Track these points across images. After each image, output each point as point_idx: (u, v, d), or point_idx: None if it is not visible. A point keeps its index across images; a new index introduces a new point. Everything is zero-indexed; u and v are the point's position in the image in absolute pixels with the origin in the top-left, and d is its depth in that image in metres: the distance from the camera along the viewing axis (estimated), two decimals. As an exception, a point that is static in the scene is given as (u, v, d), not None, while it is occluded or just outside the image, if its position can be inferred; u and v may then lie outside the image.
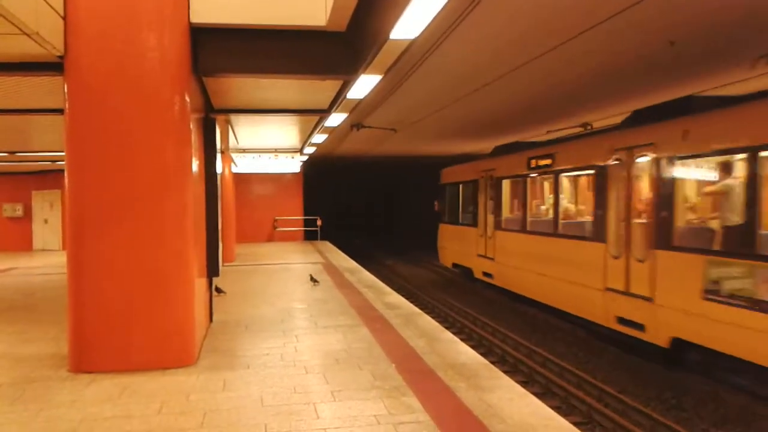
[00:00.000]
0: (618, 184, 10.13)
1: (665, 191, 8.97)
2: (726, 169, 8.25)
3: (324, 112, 10.58)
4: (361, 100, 10.90)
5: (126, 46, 6.06)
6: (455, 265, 19.90)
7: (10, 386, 5.67)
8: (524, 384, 8.52)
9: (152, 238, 6.14)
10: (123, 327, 6.11)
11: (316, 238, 26.47)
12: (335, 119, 12.88)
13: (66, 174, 6.17)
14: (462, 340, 8.03)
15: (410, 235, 39.09)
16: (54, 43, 5.69)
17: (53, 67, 6.24)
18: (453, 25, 7.65)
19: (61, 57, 6.00)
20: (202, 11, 6.35)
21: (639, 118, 10.21)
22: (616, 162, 10.16)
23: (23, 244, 23.57)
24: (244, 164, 21.06)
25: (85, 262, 6.10)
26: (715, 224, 8.39)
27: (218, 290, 10.71)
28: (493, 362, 7.22)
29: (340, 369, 6.18)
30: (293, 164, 21.72)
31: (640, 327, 9.52)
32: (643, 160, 9.48)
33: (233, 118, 12.12)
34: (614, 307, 10.20)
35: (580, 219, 12.41)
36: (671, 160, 8.84)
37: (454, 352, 6.79)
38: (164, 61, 6.13)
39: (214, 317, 8.61)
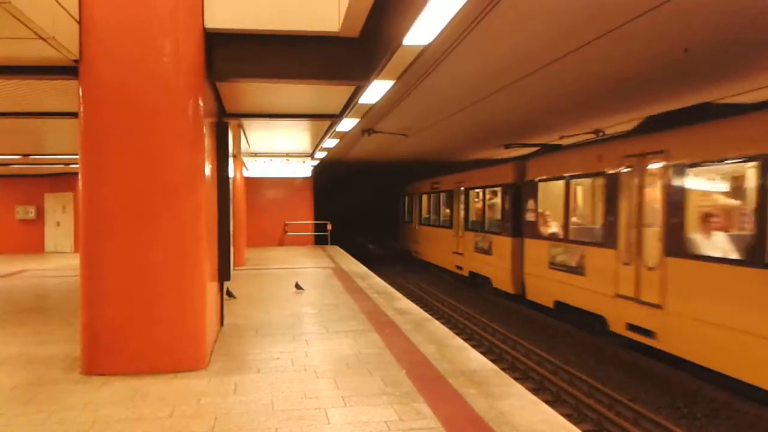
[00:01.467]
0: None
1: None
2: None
3: (336, 117, 10.62)
4: (373, 105, 10.91)
5: (140, 51, 6.11)
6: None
7: (24, 388, 5.71)
8: (535, 391, 8.46)
9: (165, 241, 6.17)
10: (135, 330, 6.14)
11: (326, 243, 26.49)
12: (347, 124, 12.89)
13: (80, 177, 6.21)
14: (472, 346, 8.01)
15: None
16: (69, 48, 5.74)
17: (68, 71, 6.29)
18: (466, 32, 7.65)
19: (76, 61, 6.04)
20: (216, 17, 6.40)
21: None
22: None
23: (35, 246, 23.74)
24: (255, 168, 21.13)
25: (97, 264, 6.14)
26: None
27: (229, 294, 10.73)
28: (503, 369, 7.20)
29: (351, 374, 6.18)
30: (304, 169, 21.78)
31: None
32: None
33: (245, 122, 12.18)
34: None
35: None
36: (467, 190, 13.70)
37: (465, 359, 6.77)
38: (178, 66, 6.17)
39: (225, 321, 8.63)
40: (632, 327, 9.98)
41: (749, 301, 7.53)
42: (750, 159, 7.68)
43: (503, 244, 15.77)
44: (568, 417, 7.96)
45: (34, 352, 7.19)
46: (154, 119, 6.17)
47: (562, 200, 12.64)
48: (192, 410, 5.08)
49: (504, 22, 7.42)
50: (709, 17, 7.32)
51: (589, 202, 12.47)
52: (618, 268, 10.34)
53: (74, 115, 6.50)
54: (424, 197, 24.96)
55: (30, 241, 23.70)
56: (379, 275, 15.72)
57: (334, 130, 13.43)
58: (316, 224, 26.79)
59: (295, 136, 15.41)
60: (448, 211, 21.25)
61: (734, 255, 8.05)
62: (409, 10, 5.25)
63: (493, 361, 8.42)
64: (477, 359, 6.79)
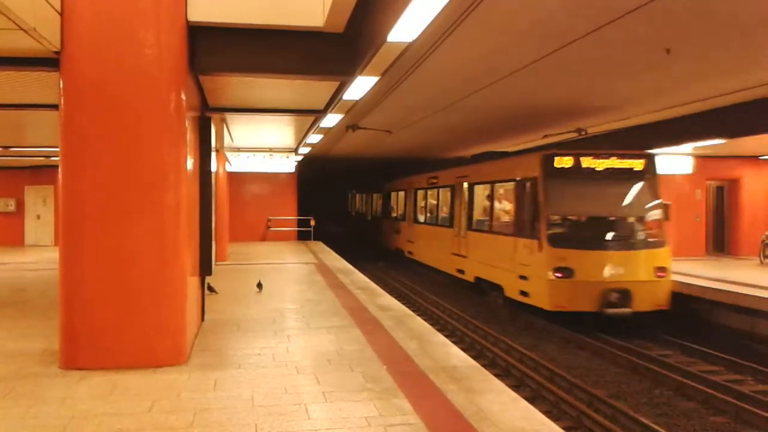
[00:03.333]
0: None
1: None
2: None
3: (320, 113, 10.60)
4: (357, 101, 10.91)
5: (122, 43, 6.06)
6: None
7: (1, 382, 5.65)
8: (515, 388, 8.53)
9: (145, 235, 6.13)
10: (115, 324, 6.09)
11: (309, 239, 26.45)
12: (331, 120, 12.89)
13: (60, 170, 6.15)
14: (454, 342, 8.02)
15: None
16: (50, 39, 5.68)
17: (49, 62, 6.22)
18: (449, 30, 7.66)
19: (57, 53, 5.98)
20: (199, 10, 6.36)
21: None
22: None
23: (15, 239, 23.48)
24: (238, 163, 21.05)
25: (77, 258, 6.08)
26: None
27: (211, 289, 10.69)
28: (484, 365, 7.23)
29: (332, 370, 6.18)
30: (288, 164, 21.72)
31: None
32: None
33: (228, 116, 12.11)
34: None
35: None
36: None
37: (446, 355, 6.80)
38: (161, 58, 6.13)
39: (206, 316, 8.60)
40: (459, 270, 18.00)
41: (491, 250, 15.38)
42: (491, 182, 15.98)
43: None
44: (548, 414, 8.00)
45: (12, 346, 7.12)
46: (136, 112, 6.12)
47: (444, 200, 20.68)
48: (171, 405, 5.06)
49: (487, 20, 7.44)
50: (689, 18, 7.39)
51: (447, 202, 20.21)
52: (453, 238, 18.52)
53: (55, 107, 6.44)
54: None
55: (10, 234, 23.43)
56: (362, 271, 15.73)
57: (318, 126, 13.42)
58: (299, 220, 26.74)
59: (278, 131, 15.36)
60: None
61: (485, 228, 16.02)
62: (393, 7, 5.25)
63: (474, 357, 8.45)
64: (458, 355, 6.82)
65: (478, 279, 16.53)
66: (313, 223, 26.55)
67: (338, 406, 5.10)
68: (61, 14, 5.88)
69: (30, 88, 8.20)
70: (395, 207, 28.09)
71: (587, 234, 12.90)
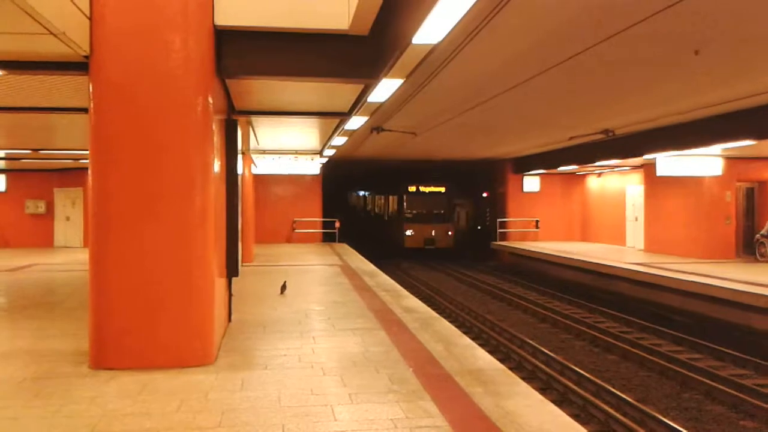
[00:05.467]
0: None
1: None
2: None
3: (344, 115, 10.62)
4: (382, 103, 10.91)
5: (151, 48, 6.13)
6: None
7: (32, 381, 5.74)
8: (542, 391, 8.46)
9: (174, 237, 6.19)
10: (143, 325, 6.16)
11: (334, 240, 26.52)
12: (355, 122, 12.90)
13: (89, 172, 6.23)
14: (479, 345, 7.99)
15: None
16: (80, 43, 5.76)
17: (78, 66, 6.31)
18: (475, 31, 7.63)
19: (86, 57, 6.06)
20: (226, 14, 6.41)
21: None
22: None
23: (45, 240, 23.87)
24: (264, 165, 21.17)
25: (107, 259, 6.16)
26: None
27: (283, 288, 11.44)
28: (510, 368, 7.19)
29: (358, 372, 6.18)
30: (313, 166, 21.80)
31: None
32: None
33: (254, 119, 12.21)
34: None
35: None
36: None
37: (472, 357, 6.77)
38: (188, 62, 6.19)
39: (233, 317, 8.66)
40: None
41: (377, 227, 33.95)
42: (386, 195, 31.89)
43: None
44: (575, 417, 7.96)
45: (42, 345, 7.23)
46: (164, 116, 6.19)
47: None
48: (199, 405, 5.10)
49: (514, 20, 7.40)
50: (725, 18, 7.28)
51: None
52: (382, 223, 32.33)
53: (84, 110, 6.52)
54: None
55: (40, 235, 23.82)
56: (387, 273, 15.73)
57: (343, 128, 13.44)
58: (324, 221, 26.82)
59: (303, 133, 15.43)
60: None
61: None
62: (419, 8, 5.24)
63: (500, 360, 8.42)
64: (484, 358, 6.78)
65: (386, 239, 31.50)
66: (337, 225, 26.63)
67: (364, 407, 5.10)
68: (91, 19, 5.96)
69: (59, 91, 8.33)
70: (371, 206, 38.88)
71: (418, 218, 28.73)
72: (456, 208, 32.20)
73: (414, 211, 28.95)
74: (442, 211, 29.29)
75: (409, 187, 29.12)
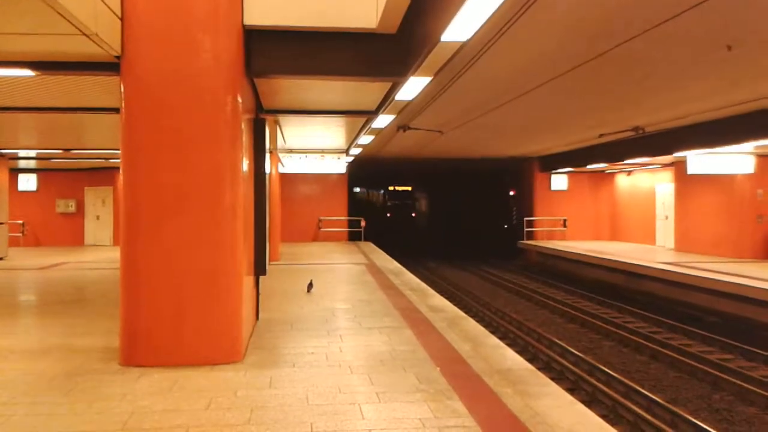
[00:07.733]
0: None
1: None
2: None
3: (371, 114, 10.62)
4: (409, 101, 10.89)
5: (181, 48, 6.17)
6: None
7: (63, 378, 5.81)
8: (570, 391, 8.37)
9: (204, 235, 6.23)
10: (173, 322, 6.21)
11: (359, 239, 26.55)
12: (382, 121, 12.90)
13: (121, 171, 6.30)
14: (507, 345, 7.93)
15: (455, 236, 39.09)
16: (111, 44, 5.82)
17: (110, 67, 6.39)
18: (504, 28, 7.59)
19: (118, 57, 6.13)
20: (255, 14, 6.44)
21: None
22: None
23: (75, 239, 24.23)
24: (290, 164, 21.27)
25: (137, 257, 6.22)
26: None
27: (310, 286, 11.52)
28: (539, 368, 7.12)
29: (385, 370, 6.17)
30: (339, 165, 21.86)
31: None
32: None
33: (282, 118, 12.25)
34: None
35: None
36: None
37: (500, 357, 6.72)
38: (218, 62, 6.23)
39: (261, 315, 8.70)
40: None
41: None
42: None
43: None
44: (605, 418, 7.87)
45: (73, 342, 7.32)
46: (194, 115, 6.23)
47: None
48: (229, 402, 5.13)
49: (543, 18, 7.34)
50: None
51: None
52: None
53: (115, 110, 6.60)
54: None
55: (70, 234, 24.21)
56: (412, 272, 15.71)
57: (370, 127, 13.45)
58: (350, 220, 26.88)
59: (330, 132, 15.46)
60: None
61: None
62: (448, 6, 5.21)
63: (528, 360, 8.36)
64: (512, 358, 6.73)
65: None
66: (363, 223, 26.66)
67: (392, 406, 5.09)
68: (122, 19, 6.02)
69: (91, 91, 8.43)
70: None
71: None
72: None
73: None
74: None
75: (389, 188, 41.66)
